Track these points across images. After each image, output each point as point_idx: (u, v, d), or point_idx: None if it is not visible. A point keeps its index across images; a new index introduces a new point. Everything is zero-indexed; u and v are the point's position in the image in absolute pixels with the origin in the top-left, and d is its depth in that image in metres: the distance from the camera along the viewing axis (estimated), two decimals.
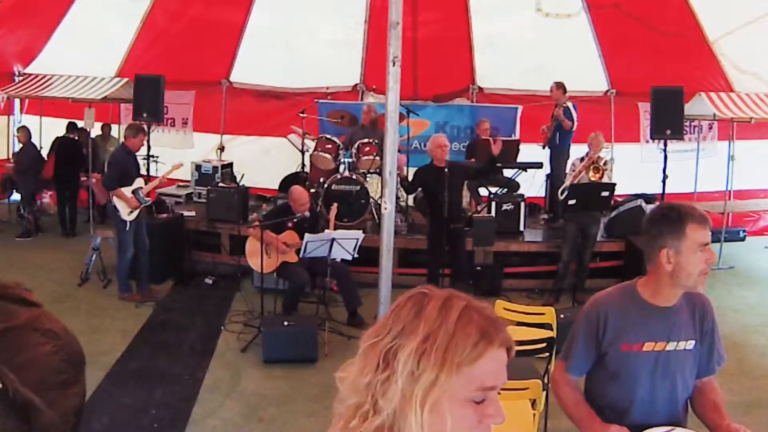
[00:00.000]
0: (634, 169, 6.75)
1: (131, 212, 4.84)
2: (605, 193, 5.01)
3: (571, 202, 4.90)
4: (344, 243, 4.34)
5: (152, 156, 5.80)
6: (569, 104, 5.98)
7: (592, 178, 5.05)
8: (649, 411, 1.68)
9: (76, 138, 6.99)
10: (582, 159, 5.22)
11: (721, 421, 1.65)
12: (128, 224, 4.85)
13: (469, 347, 0.77)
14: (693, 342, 1.68)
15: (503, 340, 0.79)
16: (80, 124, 6.99)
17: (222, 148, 7.52)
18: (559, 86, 6.10)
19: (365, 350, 0.82)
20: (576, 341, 1.75)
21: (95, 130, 7.25)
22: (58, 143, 6.97)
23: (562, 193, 5.05)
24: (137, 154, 5.05)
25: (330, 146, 5.99)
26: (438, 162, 4.64)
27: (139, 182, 4.91)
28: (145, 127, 5.20)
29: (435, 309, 0.80)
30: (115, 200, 4.83)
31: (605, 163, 5.19)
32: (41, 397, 0.48)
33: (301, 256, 4.39)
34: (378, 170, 5.76)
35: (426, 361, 0.76)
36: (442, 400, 0.76)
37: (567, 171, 5.49)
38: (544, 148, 6.37)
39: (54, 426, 0.50)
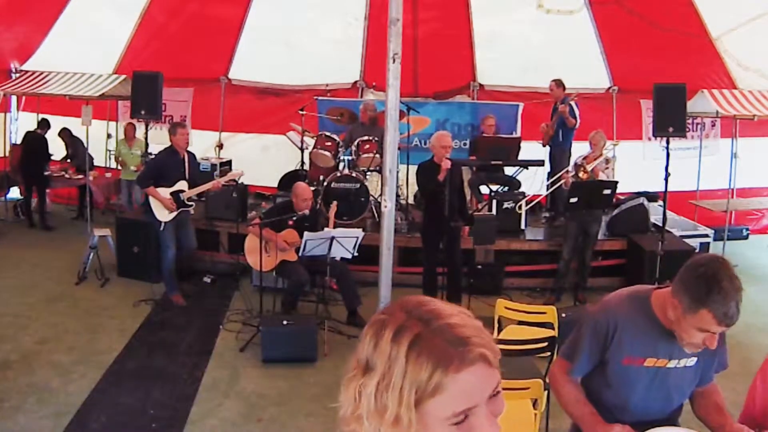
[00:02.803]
0: (637, 166, 6.72)
1: (167, 213, 4.74)
2: (607, 191, 4.97)
3: (573, 200, 4.86)
4: (344, 241, 4.31)
5: (150, 153, 5.76)
6: (573, 103, 5.95)
7: (582, 177, 5.02)
8: (642, 415, 1.67)
9: (44, 134, 7.00)
10: (585, 156, 5.19)
11: (724, 421, 1.63)
12: (163, 224, 4.75)
13: (423, 382, 0.72)
14: (695, 359, 1.65)
15: (467, 360, 0.73)
16: (78, 121, 6.94)
17: (220, 146, 7.48)
18: (559, 84, 6.07)
19: (345, 383, 0.81)
20: (582, 345, 1.70)
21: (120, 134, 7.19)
22: (26, 138, 6.97)
23: (552, 185, 5.02)
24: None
25: (329, 144, 5.95)
26: (439, 160, 4.59)
27: (181, 185, 4.77)
28: (184, 122, 5.16)
29: (388, 341, 0.75)
30: (150, 200, 4.76)
31: (607, 161, 5.15)
32: None
33: (300, 254, 4.36)
34: (378, 168, 5.72)
35: (385, 399, 0.74)
36: None
37: (570, 168, 5.46)
38: (544, 146, 6.33)
39: None
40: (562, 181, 5.15)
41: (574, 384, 1.74)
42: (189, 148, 5.03)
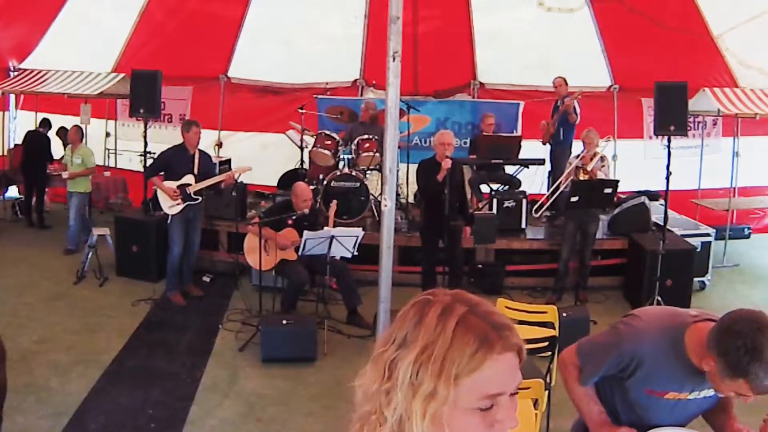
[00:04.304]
0: (638, 165, 6.70)
1: (173, 205, 4.76)
2: (608, 190, 4.95)
3: (574, 199, 4.84)
4: (344, 240, 4.29)
5: (149, 152, 5.75)
6: (575, 102, 5.94)
7: (582, 179, 5.00)
8: (654, 427, 1.66)
9: (46, 133, 6.92)
10: (581, 156, 5.15)
11: (727, 421, 1.62)
12: (170, 218, 4.80)
13: (466, 357, 0.75)
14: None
15: (508, 345, 0.77)
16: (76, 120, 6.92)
17: (220, 145, 7.46)
18: (565, 81, 6.07)
19: (374, 359, 0.81)
20: (601, 365, 1.63)
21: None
22: (28, 137, 6.94)
23: (554, 192, 4.98)
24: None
25: (329, 142, 5.93)
26: (440, 158, 4.57)
27: (187, 179, 4.80)
28: (198, 121, 5.02)
29: (434, 317, 0.78)
30: (158, 193, 4.83)
31: (602, 159, 5.12)
32: None
33: (300, 253, 4.34)
34: (378, 167, 5.69)
35: (424, 372, 0.75)
36: (443, 411, 0.75)
37: (552, 170, 5.41)
38: (544, 144, 6.31)
39: None
40: (564, 186, 5.12)
41: None
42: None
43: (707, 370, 1.46)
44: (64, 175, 6.10)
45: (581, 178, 5.01)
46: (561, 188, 5.18)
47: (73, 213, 6.02)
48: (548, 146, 6.29)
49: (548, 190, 6.34)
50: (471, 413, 0.76)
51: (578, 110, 5.99)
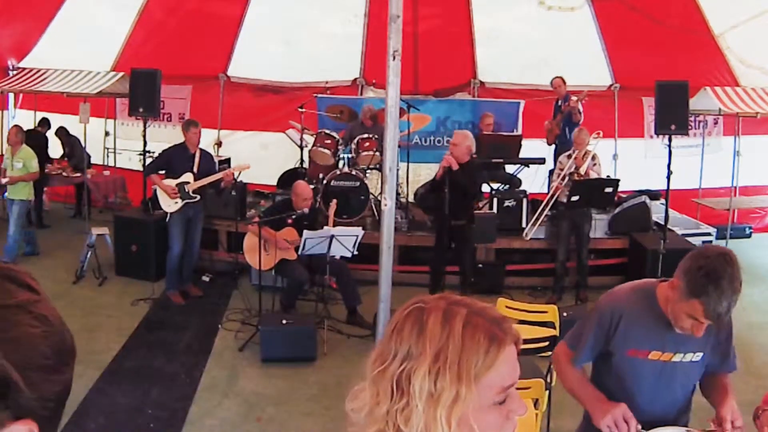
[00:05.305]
0: (638, 164, 6.69)
1: (173, 203, 4.78)
2: (609, 190, 4.94)
3: (574, 198, 4.83)
4: (343, 240, 4.28)
5: (148, 151, 5.73)
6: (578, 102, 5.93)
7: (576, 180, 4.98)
8: (649, 413, 1.66)
9: (45, 133, 6.89)
10: (569, 156, 5.13)
11: (723, 400, 1.62)
12: (169, 216, 4.81)
13: (482, 356, 0.76)
14: (701, 354, 1.65)
15: (511, 336, 0.80)
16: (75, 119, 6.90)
17: (219, 144, 7.44)
18: (564, 81, 6.05)
19: (374, 378, 0.79)
20: (587, 335, 1.71)
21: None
22: (27, 136, 6.89)
23: (551, 199, 4.97)
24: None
25: (329, 141, 5.91)
26: None
27: (186, 177, 4.81)
28: (197, 121, 5.02)
29: (437, 324, 0.78)
30: (157, 191, 4.86)
31: (594, 157, 5.09)
32: (21, 376, 0.50)
33: (299, 253, 4.33)
34: (378, 166, 5.68)
35: (442, 380, 0.75)
36: (467, 413, 0.76)
37: (555, 168, 5.37)
38: (549, 144, 6.29)
39: (30, 407, 0.51)
40: (558, 193, 5.10)
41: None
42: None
43: (671, 297, 1.54)
44: (3, 180, 5.50)
45: (575, 178, 4.98)
46: (553, 200, 5.13)
47: (12, 223, 5.47)
48: (553, 146, 6.27)
49: (549, 190, 6.32)
50: (490, 409, 0.78)
51: (581, 109, 5.98)
